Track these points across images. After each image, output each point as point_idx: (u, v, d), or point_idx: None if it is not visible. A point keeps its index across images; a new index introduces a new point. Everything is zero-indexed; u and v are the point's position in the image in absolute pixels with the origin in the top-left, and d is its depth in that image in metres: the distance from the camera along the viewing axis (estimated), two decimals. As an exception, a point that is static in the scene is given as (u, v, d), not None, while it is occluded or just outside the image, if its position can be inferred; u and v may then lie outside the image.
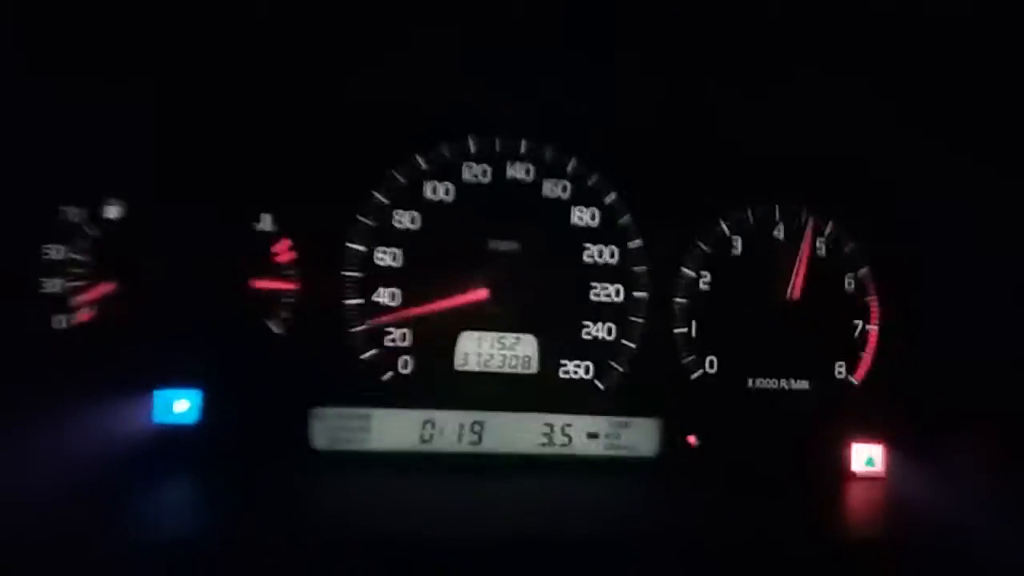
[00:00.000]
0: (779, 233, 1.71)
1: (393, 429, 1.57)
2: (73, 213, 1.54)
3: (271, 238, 1.58)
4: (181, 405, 1.51)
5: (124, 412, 1.48)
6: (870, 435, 1.68)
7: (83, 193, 1.54)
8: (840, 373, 1.71)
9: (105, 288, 1.52)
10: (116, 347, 1.51)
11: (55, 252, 1.52)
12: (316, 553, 1.21)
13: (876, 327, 1.72)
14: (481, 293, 1.61)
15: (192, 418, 1.52)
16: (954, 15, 1.33)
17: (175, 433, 1.51)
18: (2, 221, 1.48)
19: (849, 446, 1.67)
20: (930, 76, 1.48)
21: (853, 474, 1.66)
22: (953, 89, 1.49)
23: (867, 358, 1.71)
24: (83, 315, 1.52)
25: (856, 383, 1.71)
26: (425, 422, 1.58)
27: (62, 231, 1.53)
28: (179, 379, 1.52)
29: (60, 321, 1.52)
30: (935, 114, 1.56)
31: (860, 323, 1.72)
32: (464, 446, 1.59)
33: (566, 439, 1.61)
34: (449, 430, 1.58)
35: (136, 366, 1.51)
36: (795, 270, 1.69)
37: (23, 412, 1.38)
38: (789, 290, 1.69)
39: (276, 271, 1.58)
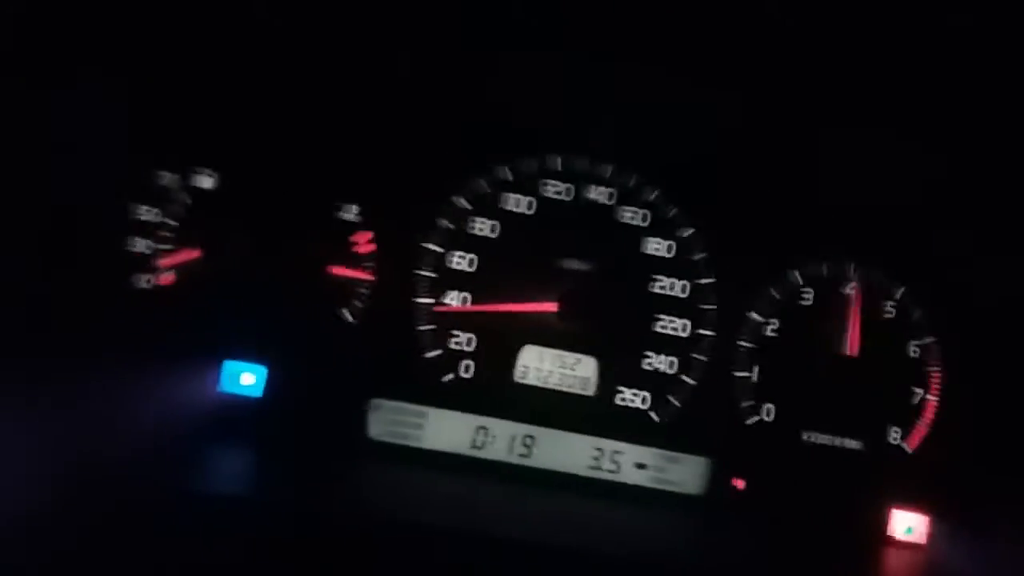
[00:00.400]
0: (851, 290, 1.72)
1: (447, 430, 1.60)
2: (167, 178, 1.59)
3: (353, 228, 1.62)
4: (247, 378, 1.55)
5: (193, 377, 1.52)
6: (915, 503, 1.67)
7: (179, 160, 1.59)
8: (894, 439, 1.71)
9: (189, 254, 1.57)
10: (193, 313, 1.56)
11: (146, 213, 1.57)
12: (359, 532, 1.24)
13: (935, 398, 1.72)
14: (550, 305, 1.63)
15: (257, 392, 1.55)
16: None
17: (239, 404, 1.55)
18: (100, 180, 1.54)
19: (890, 512, 1.67)
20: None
21: (892, 539, 1.66)
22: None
23: (922, 427, 1.71)
24: (166, 278, 1.57)
25: (908, 450, 1.71)
26: (479, 428, 1.60)
27: (155, 194, 1.58)
28: (248, 352, 1.56)
29: (143, 280, 1.56)
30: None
31: (920, 391, 1.72)
32: (514, 457, 1.61)
33: (614, 466, 1.63)
34: (501, 439, 1.61)
35: (209, 334, 1.55)
36: (849, 324, 1.69)
37: (101, 365, 1.42)
38: (845, 345, 1.68)
39: (354, 261, 1.62)
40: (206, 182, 1.60)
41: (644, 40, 1.47)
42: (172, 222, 1.58)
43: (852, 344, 1.69)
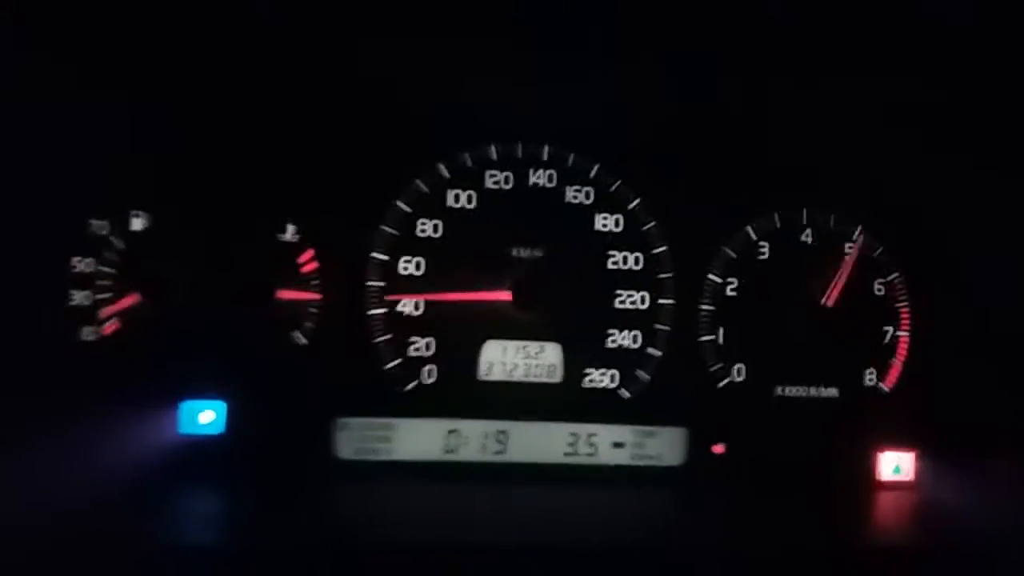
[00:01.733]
0: (807, 238, 1.72)
1: (417, 439, 1.60)
2: (99, 226, 1.58)
3: (295, 248, 1.62)
4: (207, 416, 1.55)
5: (150, 423, 1.52)
6: (900, 443, 1.68)
7: (109, 206, 1.59)
8: (870, 380, 1.72)
9: (131, 300, 1.56)
10: (143, 358, 1.55)
11: (83, 264, 1.57)
12: (341, 561, 1.25)
13: (907, 334, 1.73)
14: (504, 294, 1.63)
15: (218, 429, 1.56)
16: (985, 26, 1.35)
17: (201, 444, 1.55)
18: (31, 233, 1.53)
19: (877, 454, 1.68)
20: (957, 83, 1.49)
21: (881, 482, 1.67)
22: (984, 98, 1.50)
23: (897, 365, 1.72)
24: (110, 327, 1.57)
25: (886, 390, 1.72)
26: (449, 432, 1.61)
27: (89, 244, 1.58)
28: (205, 390, 1.56)
29: (88, 333, 1.56)
30: (966, 121, 1.57)
31: (890, 329, 1.73)
32: (489, 456, 1.62)
33: (591, 448, 1.64)
34: (473, 440, 1.61)
35: (162, 377, 1.55)
36: (835, 279, 1.70)
37: (53, 423, 1.43)
38: (825, 298, 1.69)
39: (300, 281, 1.61)
40: (138, 224, 1.59)
41: (554, 19, 1.46)
42: (109, 270, 1.57)
43: (832, 296, 1.69)
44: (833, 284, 1.70)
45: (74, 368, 1.54)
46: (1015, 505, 1.45)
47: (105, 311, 1.56)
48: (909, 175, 1.71)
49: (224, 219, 1.60)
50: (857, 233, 1.73)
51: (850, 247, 1.73)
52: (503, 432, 1.62)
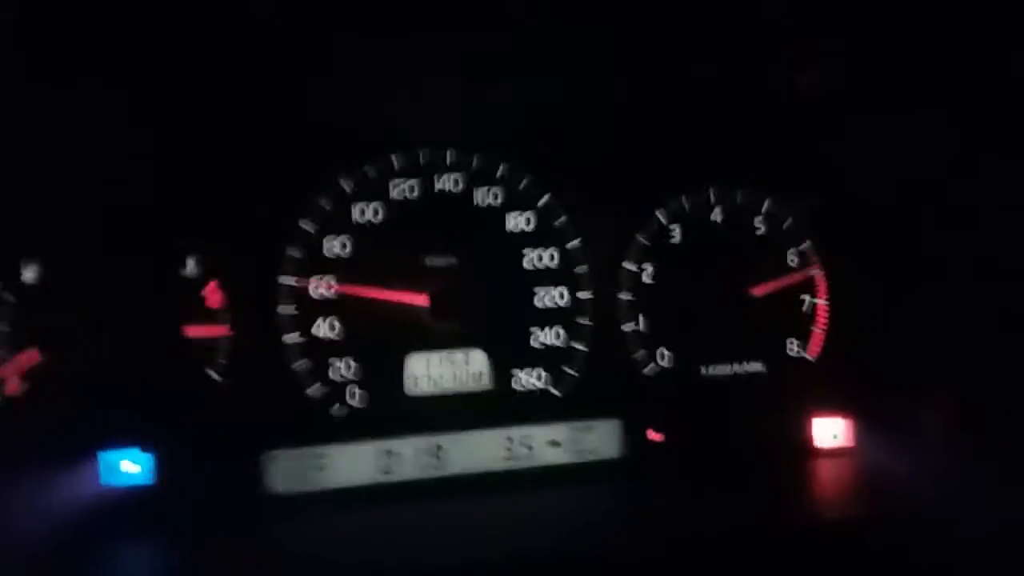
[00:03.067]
0: (716, 216, 1.76)
1: (350, 464, 1.58)
2: (-12, 282, 1.53)
3: (199, 282, 1.58)
4: (128, 466, 1.51)
5: (70, 480, 1.47)
6: (831, 409, 1.73)
7: (-2, 260, 1.53)
8: (794, 350, 1.77)
9: (30, 357, 1.51)
10: (51, 416, 1.50)
11: (-26, 325, 1.51)
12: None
13: (825, 300, 1.78)
14: (421, 298, 1.63)
15: (142, 478, 1.51)
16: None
17: (126, 495, 1.51)
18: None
19: (810, 422, 1.73)
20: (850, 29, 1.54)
21: (819, 450, 1.72)
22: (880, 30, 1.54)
23: (819, 333, 1.77)
24: (11, 387, 1.51)
25: (811, 359, 1.77)
26: (383, 452, 1.60)
27: (-21, 301, 1.52)
28: (123, 440, 1.52)
29: (-12, 396, 1.51)
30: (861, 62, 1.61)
31: (807, 297, 1.78)
32: (426, 471, 1.61)
33: (528, 450, 1.64)
34: (408, 457, 1.60)
35: (76, 432, 1.50)
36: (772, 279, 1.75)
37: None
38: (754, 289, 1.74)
39: (208, 316, 1.58)
40: (28, 275, 1.53)
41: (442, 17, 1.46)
42: (2, 327, 1.51)
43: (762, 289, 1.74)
44: (767, 277, 1.75)
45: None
46: (949, 463, 1.50)
47: (3, 370, 1.50)
48: (811, 141, 1.75)
49: (121, 260, 1.55)
50: (765, 204, 1.77)
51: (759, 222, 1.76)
52: (438, 445, 1.61)
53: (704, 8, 1.46)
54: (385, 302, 1.63)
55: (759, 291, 1.74)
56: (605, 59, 1.59)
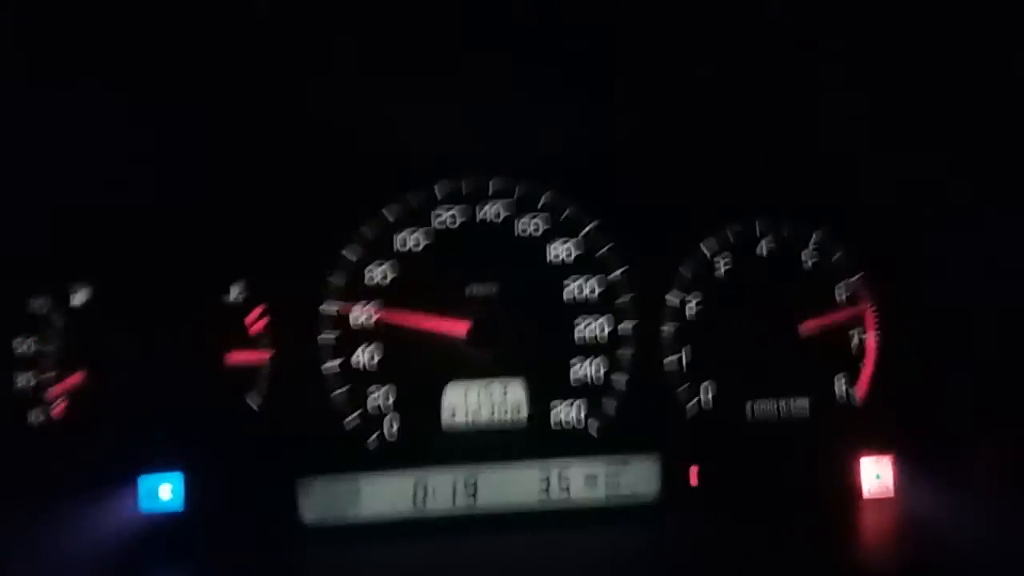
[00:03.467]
0: (763, 249, 1.73)
1: (384, 495, 1.59)
2: (39, 304, 1.57)
3: (242, 309, 1.61)
4: (166, 490, 1.54)
5: (108, 502, 1.51)
6: (878, 450, 1.69)
7: (48, 282, 1.57)
8: (841, 388, 1.72)
9: (76, 378, 1.55)
10: (94, 438, 1.54)
11: (23, 345, 1.55)
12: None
13: (874, 336, 1.73)
14: (460, 327, 1.63)
15: (177, 505, 1.54)
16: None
17: (162, 520, 1.53)
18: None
19: (857, 462, 1.68)
20: (904, 66, 1.50)
21: (863, 492, 1.67)
22: (938, 85, 1.51)
23: (867, 370, 1.73)
24: (57, 407, 1.55)
25: (858, 397, 1.72)
26: (416, 484, 1.60)
27: (30, 323, 1.56)
28: (161, 464, 1.55)
29: (35, 416, 1.55)
30: (915, 108, 1.58)
31: (856, 332, 1.73)
32: (460, 506, 1.61)
33: (564, 486, 1.63)
34: (442, 490, 1.60)
35: (116, 455, 1.54)
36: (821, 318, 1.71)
37: (8, 512, 1.42)
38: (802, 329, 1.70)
39: (250, 342, 1.60)
40: (78, 299, 1.57)
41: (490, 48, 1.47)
42: (52, 348, 1.56)
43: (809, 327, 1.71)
44: (815, 313, 1.71)
45: (23, 454, 1.52)
46: (995, 509, 1.45)
47: (51, 392, 1.54)
48: (864, 174, 1.72)
49: (166, 286, 1.59)
50: (814, 237, 1.73)
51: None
52: (473, 479, 1.61)
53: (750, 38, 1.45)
54: (425, 331, 1.63)
55: (807, 328, 1.69)
56: (652, 90, 1.58)
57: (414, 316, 1.64)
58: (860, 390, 1.72)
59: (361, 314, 1.64)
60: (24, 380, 1.56)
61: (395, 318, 1.64)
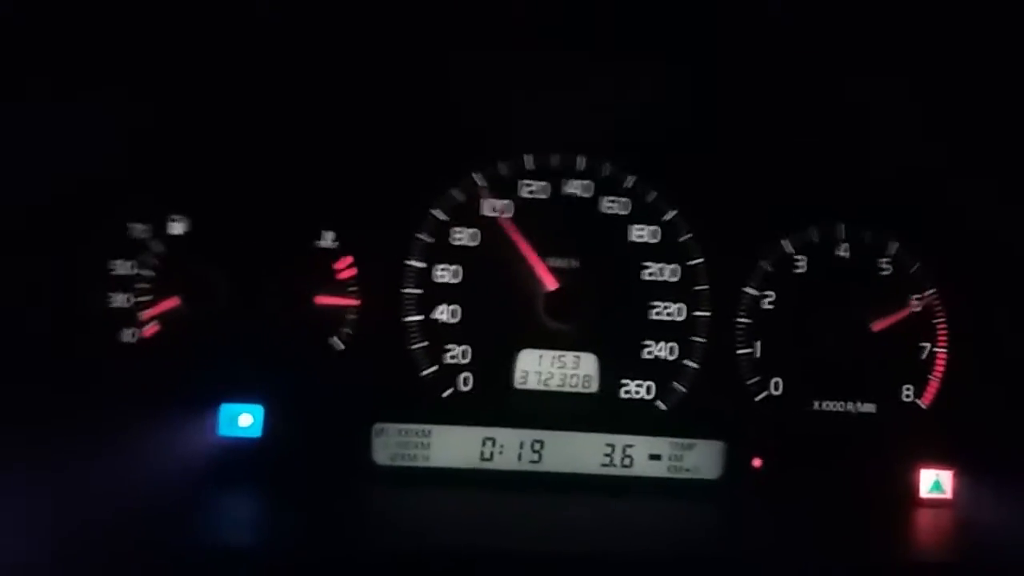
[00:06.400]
0: (844, 252, 1.78)
1: (453, 446, 1.66)
2: (139, 229, 1.65)
3: (333, 255, 1.69)
4: (245, 419, 1.61)
5: (190, 425, 1.58)
6: (938, 460, 1.72)
7: (149, 209, 1.66)
8: (908, 396, 1.76)
9: (169, 303, 1.63)
10: (181, 361, 1.62)
11: (122, 267, 1.64)
12: (378, 567, 1.29)
13: (944, 350, 1.77)
14: (551, 281, 1.69)
15: (256, 432, 1.61)
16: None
17: (239, 447, 1.61)
18: (72, 236, 1.61)
19: (917, 471, 1.72)
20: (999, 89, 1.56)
21: (921, 500, 1.71)
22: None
23: (935, 381, 1.77)
24: (149, 329, 1.63)
25: (924, 407, 1.76)
26: (485, 439, 1.66)
27: (129, 247, 1.65)
28: (243, 394, 1.62)
29: (128, 335, 1.63)
30: (1005, 131, 1.63)
31: (928, 345, 1.77)
32: (524, 465, 1.67)
33: (628, 460, 1.68)
34: (509, 448, 1.67)
35: (201, 381, 1.61)
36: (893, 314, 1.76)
37: (94, 424, 1.49)
38: (863, 315, 1.75)
39: (338, 288, 1.68)
40: (177, 228, 1.66)
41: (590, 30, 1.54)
42: (148, 272, 1.64)
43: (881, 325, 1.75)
44: (887, 316, 1.75)
45: (115, 370, 1.60)
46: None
47: (145, 314, 1.62)
48: (947, 189, 1.76)
49: (262, 226, 1.67)
50: (894, 247, 1.78)
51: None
52: (539, 441, 1.67)
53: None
54: (507, 293, 1.70)
55: (878, 326, 1.73)
56: (749, 85, 1.64)
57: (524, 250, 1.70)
58: (926, 400, 1.76)
59: (445, 272, 1.70)
60: (120, 300, 1.63)
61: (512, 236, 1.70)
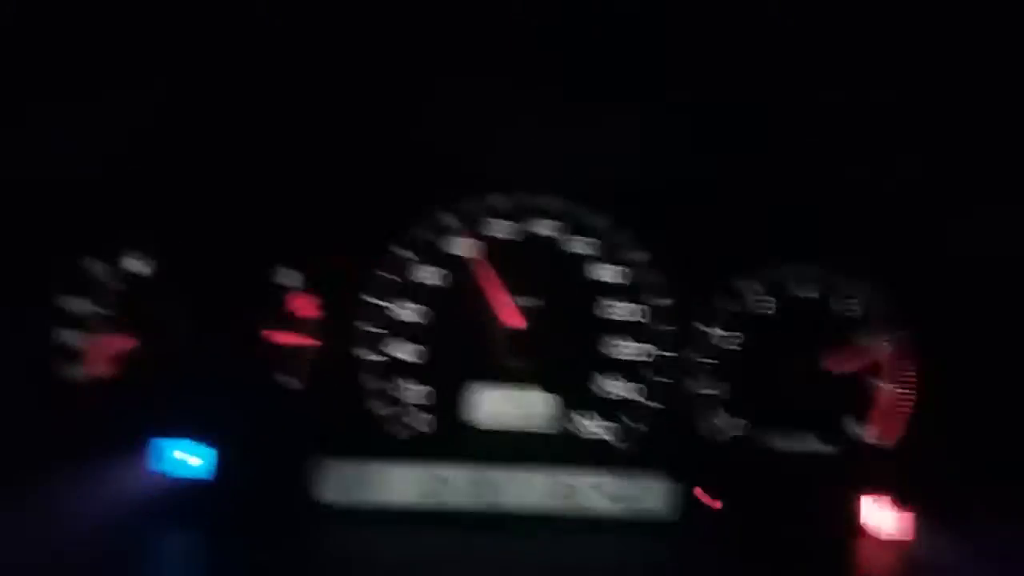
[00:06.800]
0: (813, 293, 1.76)
1: (405, 484, 1.64)
2: (96, 266, 1.64)
3: (290, 291, 1.68)
4: (194, 459, 1.60)
5: (136, 466, 1.57)
6: (902, 500, 1.70)
7: (105, 246, 1.65)
8: (871, 437, 1.75)
9: (125, 342, 1.63)
10: (130, 401, 1.61)
11: (77, 305, 1.63)
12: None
13: (912, 391, 1.76)
14: (518, 319, 1.70)
15: (204, 471, 1.60)
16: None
17: (187, 487, 1.59)
18: (23, 272, 1.60)
19: (880, 511, 1.70)
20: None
21: (882, 540, 1.69)
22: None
23: (900, 422, 1.75)
24: (101, 368, 1.62)
25: (889, 447, 1.75)
26: (437, 478, 1.65)
27: (84, 283, 1.64)
28: (194, 433, 1.61)
29: (75, 373, 1.62)
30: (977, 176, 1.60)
31: (891, 386, 1.76)
32: (478, 503, 1.66)
33: (580, 496, 1.67)
34: (462, 486, 1.65)
35: (150, 420, 1.60)
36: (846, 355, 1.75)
37: (37, 465, 1.49)
38: (823, 354, 1.74)
39: (294, 324, 1.67)
40: (139, 267, 1.65)
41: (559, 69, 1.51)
42: (103, 311, 1.63)
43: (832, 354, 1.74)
44: (842, 358, 1.75)
45: (60, 409, 1.60)
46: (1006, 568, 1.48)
47: (96, 351, 1.62)
48: (921, 233, 1.74)
49: (218, 262, 1.66)
50: (865, 290, 1.75)
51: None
52: (492, 479, 1.66)
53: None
54: (464, 331, 1.70)
55: (845, 367, 1.73)
56: (721, 127, 1.62)
57: (491, 287, 1.70)
58: (891, 440, 1.75)
59: (403, 311, 1.69)
60: (69, 337, 1.62)
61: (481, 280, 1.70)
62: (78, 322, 1.63)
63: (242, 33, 1.46)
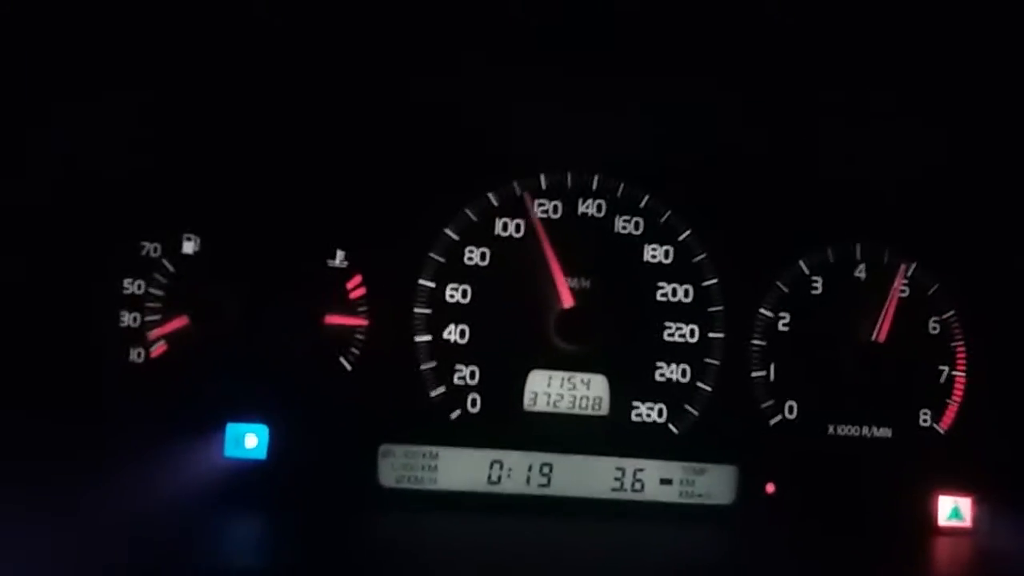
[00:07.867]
0: (861, 273, 1.75)
1: (461, 469, 1.64)
2: (151, 248, 1.65)
3: (344, 274, 1.68)
4: (251, 440, 1.60)
5: (195, 446, 1.57)
6: (957, 486, 1.69)
7: (161, 228, 1.66)
8: (925, 421, 1.73)
9: (178, 323, 1.63)
10: (188, 381, 1.62)
11: (133, 286, 1.64)
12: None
13: (963, 374, 1.74)
14: (568, 297, 1.68)
15: (261, 453, 1.61)
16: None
17: (245, 468, 1.60)
18: (84, 255, 1.61)
19: (935, 497, 1.69)
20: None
21: (938, 527, 1.68)
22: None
23: (953, 406, 1.74)
24: (157, 349, 1.63)
25: (942, 432, 1.73)
26: (493, 462, 1.65)
27: (140, 266, 1.64)
28: (250, 414, 1.61)
29: (135, 355, 1.62)
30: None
31: (946, 369, 1.74)
32: (533, 488, 1.65)
33: (638, 484, 1.66)
34: (517, 471, 1.65)
35: (208, 400, 1.61)
36: (883, 312, 1.72)
37: (101, 444, 1.49)
38: (875, 333, 1.71)
39: (348, 307, 1.67)
40: (188, 247, 1.65)
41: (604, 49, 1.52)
42: (157, 292, 1.64)
43: (882, 331, 1.72)
44: (881, 319, 1.72)
45: (121, 390, 1.60)
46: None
47: (153, 333, 1.62)
48: (967, 211, 1.73)
49: (274, 244, 1.67)
50: (912, 269, 1.75)
51: (904, 285, 1.74)
52: (548, 464, 1.65)
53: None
54: (518, 314, 1.69)
55: (894, 348, 1.71)
56: (764, 106, 1.62)
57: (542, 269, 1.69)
58: (944, 425, 1.73)
59: (456, 292, 1.69)
60: (128, 319, 1.63)
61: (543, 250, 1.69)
62: (139, 305, 1.63)
63: (291, 21, 1.48)
